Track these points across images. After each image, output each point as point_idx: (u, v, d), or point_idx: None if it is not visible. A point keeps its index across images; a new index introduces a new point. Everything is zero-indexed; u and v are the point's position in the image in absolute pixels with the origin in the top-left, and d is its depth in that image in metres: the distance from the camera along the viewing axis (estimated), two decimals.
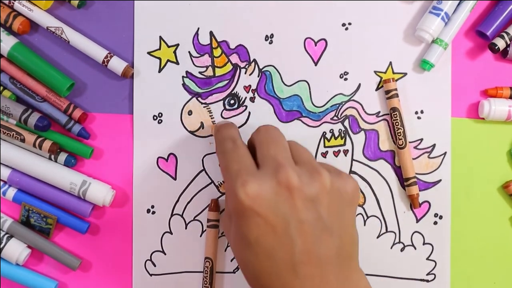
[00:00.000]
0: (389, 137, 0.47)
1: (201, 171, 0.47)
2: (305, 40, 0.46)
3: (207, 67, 0.46)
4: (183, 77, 0.46)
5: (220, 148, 0.41)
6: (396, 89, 0.46)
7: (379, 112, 0.47)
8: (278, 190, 0.36)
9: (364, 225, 0.47)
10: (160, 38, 0.46)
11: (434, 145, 0.47)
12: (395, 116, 0.46)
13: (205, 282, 0.46)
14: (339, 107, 0.47)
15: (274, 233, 0.36)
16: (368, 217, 0.47)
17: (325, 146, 0.47)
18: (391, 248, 0.47)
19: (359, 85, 0.47)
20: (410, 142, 0.47)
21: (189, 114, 0.46)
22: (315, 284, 0.36)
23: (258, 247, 0.36)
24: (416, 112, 0.47)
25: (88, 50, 0.45)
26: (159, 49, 0.46)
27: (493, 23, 0.46)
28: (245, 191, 0.36)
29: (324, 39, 0.46)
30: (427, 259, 0.47)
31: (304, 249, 0.36)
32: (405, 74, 0.47)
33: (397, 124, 0.46)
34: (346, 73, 0.47)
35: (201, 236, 0.47)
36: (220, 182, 0.47)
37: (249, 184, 0.36)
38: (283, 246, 0.36)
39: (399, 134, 0.46)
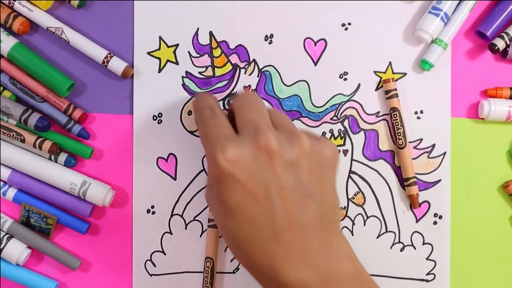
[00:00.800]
0: (388, 137, 0.47)
1: (201, 171, 0.47)
2: (304, 40, 0.46)
3: (206, 67, 0.46)
4: (182, 77, 0.46)
5: (199, 117, 0.40)
6: (395, 89, 0.46)
7: (378, 112, 0.47)
8: (257, 154, 0.36)
9: (364, 225, 0.47)
10: (160, 38, 0.46)
11: (433, 145, 0.47)
12: (395, 116, 0.46)
13: (206, 282, 0.46)
14: (339, 107, 0.47)
15: (255, 199, 0.35)
16: (368, 217, 0.47)
17: None
18: (391, 248, 0.47)
19: (359, 85, 0.47)
20: (410, 142, 0.47)
21: (189, 114, 0.46)
22: (297, 250, 0.35)
23: (239, 214, 0.35)
24: (416, 112, 0.47)
25: (88, 51, 0.45)
26: (159, 49, 0.46)
27: (493, 23, 0.45)
28: (224, 157, 0.35)
29: (324, 39, 0.46)
30: (427, 259, 0.47)
31: (286, 215, 0.35)
32: (405, 74, 0.47)
33: (397, 124, 0.46)
34: (345, 73, 0.47)
35: (201, 236, 0.47)
36: None
37: (228, 149, 0.35)
38: (264, 212, 0.35)
39: (399, 134, 0.46)
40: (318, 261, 0.36)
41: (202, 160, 0.47)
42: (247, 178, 0.35)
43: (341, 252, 0.37)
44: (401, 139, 0.46)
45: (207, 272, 0.46)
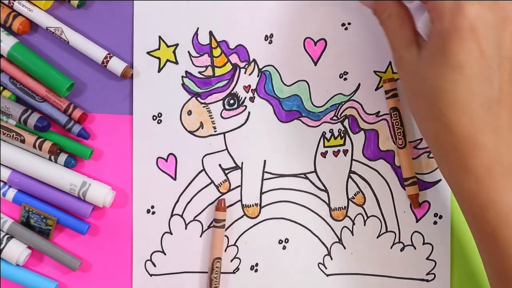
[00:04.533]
0: (389, 137, 0.47)
1: (201, 171, 0.47)
2: (304, 40, 0.46)
3: (206, 67, 0.46)
4: (182, 77, 0.46)
5: None
6: (396, 89, 0.46)
7: (378, 112, 0.47)
8: (495, 18, 0.35)
9: (364, 225, 0.47)
10: (160, 38, 0.46)
11: None
12: (395, 116, 0.46)
13: (215, 283, 0.46)
14: (339, 107, 0.47)
15: (481, 63, 0.34)
16: (368, 217, 0.47)
17: (324, 146, 0.47)
18: (391, 248, 0.47)
19: (359, 85, 0.47)
20: (410, 142, 0.47)
21: (189, 114, 0.46)
22: (505, 126, 0.35)
23: (461, 74, 0.34)
24: None
25: (87, 51, 0.45)
26: (159, 49, 0.46)
27: None
28: (470, 11, 0.34)
29: (324, 39, 0.46)
30: (427, 258, 0.47)
31: (500, 86, 0.35)
32: None
33: (397, 124, 0.46)
34: (345, 73, 0.47)
35: (201, 236, 0.47)
36: (220, 182, 0.47)
37: (473, 5, 0.34)
38: (484, 78, 0.34)
39: (399, 134, 0.46)
40: None
41: (202, 160, 0.47)
42: (484, 39, 0.34)
43: None
44: (401, 139, 0.46)
45: (216, 272, 0.46)
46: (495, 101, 0.35)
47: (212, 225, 0.47)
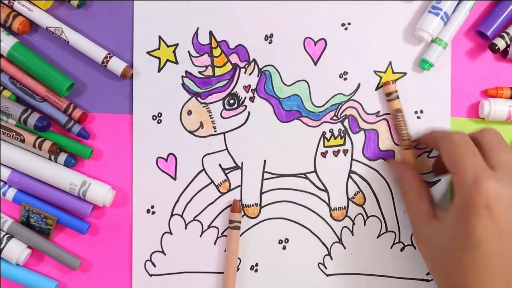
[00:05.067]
0: (389, 137, 0.47)
1: (201, 171, 0.47)
2: (304, 40, 0.46)
3: (206, 66, 0.46)
4: (182, 77, 0.46)
5: (448, 137, 0.39)
6: (396, 91, 0.46)
7: (378, 112, 0.47)
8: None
9: (364, 225, 0.47)
10: (160, 38, 0.46)
11: None
12: (399, 117, 0.46)
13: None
14: (339, 107, 0.47)
15: (500, 240, 0.34)
16: (368, 217, 0.47)
17: (324, 146, 0.47)
18: (391, 248, 0.47)
19: (359, 85, 0.47)
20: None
21: (189, 114, 0.46)
22: None
23: (479, 251, 0.34)
24: (416, 112, 0.47)
25: (87, 50, 0.45)
26: (159, 48, 0.46)
27: (493, 23, 0.45)
28: (486, 188, 0.34)
29: (324, 39, 0.46)
30: None
31: None
32: (405, 73, 0.47)
33: (400, 125, 0.46)
34: (345, 72, 0.47)
35: (201, 236, 0.47)
36: (220, 182, 0.47)
37: (490, 181, 0.34)
38: (503, 255, 0.34)
39: (403, 135, 0.46)
40: None
41: (202, 160, 0.46)
42: (501, 216, 0.34)
43: None
44: (406, 140, 0.46)
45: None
46: None
47: (227, 227, 0.47)
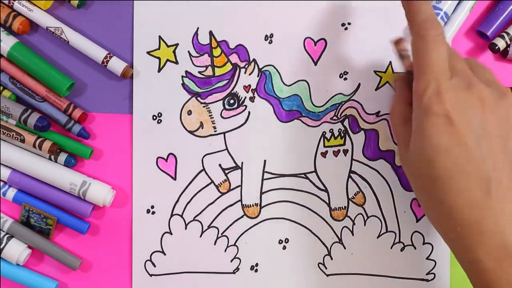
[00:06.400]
0: (389, 137, 0.47)
1: (201, 171, 0.47)
2: (304, 40, 0.46)
3: (206, 66, 0.46)
4: (182, 76, 0.46)
5: (421, 31, 0.38)
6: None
7: (379, 111, 0.47)
8: (472, 102, 0.35)
9: (364, 225, 0.47)
10: (160, 37, 0.46)
11: None
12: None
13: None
14: (339, 107, 0.47)
15: (465, 145, 0.35)
16: (368, 217, 0.47)
17: (324, 146, 0.47)
18: (391, 248, 0.47)
19: (359, 84, 0.47)
20: None
21: (189, 114, 0.46)
22: (508, 208, 0.34)
23: (448, 159, 0.34)
24: None
25: (87, 50, 0.45)
26: (159, 48, 0.46)
27: (493, 23, 0.45)
28: (442, 97, 0.35)
29: (324, 39, 0.46)
30: (427, 258, 0.47)
31: (496, 167, 0.35)
32: (405, 73, 0.47)
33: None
34: (345, 72, 0.47)
35: (201, 236, 0.47)
36: (220, 182, 0.47)
37: (447, 90, 0.35)
38: (474, 160, 0.34)
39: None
40: None
41: (202, 160, 0.46)
42: (461, 122, 0.35)
43: None
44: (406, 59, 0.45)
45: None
46: (493, 183, 0.34)
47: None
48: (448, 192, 0.35)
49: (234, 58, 0.46)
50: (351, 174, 0.47)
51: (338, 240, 0.47)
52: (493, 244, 0.34)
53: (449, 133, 0.35)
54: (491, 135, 0.35)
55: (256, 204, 0.47)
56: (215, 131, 0.47)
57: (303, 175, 0.47)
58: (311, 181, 0.47)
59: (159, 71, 0.46)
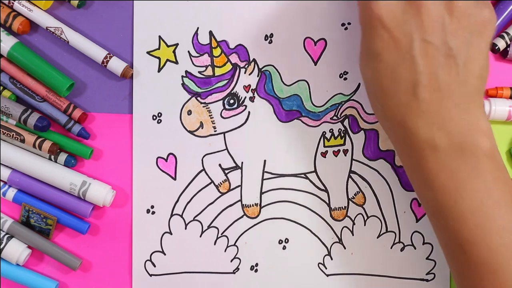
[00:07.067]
0: None
1: (200, 171, 0.47)
2: (304, 40, 0.46)
3: (206, 66, 0.46)
4: (182, 76, 0.46)
5: None
6: None
7: None
8: (407, 7, 0.36)
9: (365, 225, 0.47)
10: (160, 37, 0.46)
11: None
12: None
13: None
14: (339, 107, 0.47)
15: (398, 48, 0.36)
16: (368, 217, 0.47)
17: (324, 146, 0.47)
18: (391, 248, 0.47)
19: (359, 84, 0.47)
20: None
21: (189, 114, 0.46)
22: (432, 109, 0.36)
23: (381, 61, 0.36)
24: None
25: (87, 51, 0.45)
26: (159, 48, 0.46)
27: None
28: (377, 3, 0.36)
29: (324, 39, 0.46)
30: (427, 258, 0.47)
31: (425, 70, 0.36)
32: None
33: None
34: (345, 72, 0.47)
35: (201, 236, 0.47)
36: (220, 182, 0.47)
37: None
38: (405, 64, 0.36)
39: None
40: (452, 126, 0.36)
41: (202, 160, 0.47)
42: (394, 26, 0.36)
43: (479, 125, 0.37)
44: None
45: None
46: (420, 85, 0.36)
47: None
48: (380, 90, 0.37)
49: (234, 58, 0.46)
50: (351, 174, 0.47)
51: (338, 240, 0.47)
52: (415, 141, 0.37)
53: (382, 36, 0.36)
54: (427, 39, 0.36)
55: (256, 204, 0.47)
56: (215, 131, 0.47)
57: (303, 175, 0.47)
58: (311, 181, 0.47)
59: (159, 71, 0.46)
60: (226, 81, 0.46)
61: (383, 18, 0.36)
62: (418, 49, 0.36)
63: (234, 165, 0.47)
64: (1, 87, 0.45)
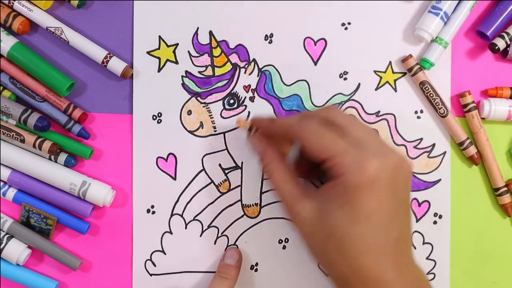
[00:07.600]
0: (389, 136, 0.47)
1: (200, 171, 0.47)
2: (304, 40, 0.46)
3: (206, 66, 0.46)
4: (182, 76, 0.46)
5: (304, 129, 0.40)
6: (417, 64, 0.46)
7: (378, 111, 0.47)
8: (391, 169, 0.37)
9: None
10: (160, 37, 0.46)
11: (433, 145, 0.47)
12: (427, 89, 0.46)
13: None
14: (339, 107, 0.47)
15: (384, 210, 0.37)
16: None
17: None
18: None
19: (359, 84, 0.47)
20: (409, 142, 0.47)
21: (189, 114, 0.46)
22: (404, 260, 0.38)
23: (369, 222, 0.37)
24: (416, 112, 0.47)
25: (87, 51, 0.45)
26: (159, 48, 0.46)
27: (493, 23, 0.45)
28: (367, 169, 0.36)
29: (324, 39, 0.46)
30: (427, 258, 0.47)
31: (402, 227, 0.38)
32: (405, 73, 0.47)
33: (431, 95, 0.46)
34: (345, 72, 0.47)
35: (201, 236, 0.47)
36: (220, 182, 0.47)
37: (373, 159, 0.37)
38: (387, 224, 0.37)
39: (437, 104, 0.46)
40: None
41: (202, 159, 0.47)
42: (384, 189, 0.37)
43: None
44: (442, 107, 0.46)
45: None
46: (399, 240, 0.38)
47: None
48: (365, 250, 0.37)
49: (234, 58, 0.46)
50: None
51: None
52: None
53: (373, 201, 0.37)
54: (399, 198, 0.38)
55: (256, 204, 0.47)
56: (215, 131, 0.47)
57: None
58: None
59: (159, 71, 0.46)
60: (226, 81, 0.46)
61: (378, 183, 0.37)
62: (396, 207, 0.38)
63: (234, 165, 0.47)
64: (1, 87, 0.45)
